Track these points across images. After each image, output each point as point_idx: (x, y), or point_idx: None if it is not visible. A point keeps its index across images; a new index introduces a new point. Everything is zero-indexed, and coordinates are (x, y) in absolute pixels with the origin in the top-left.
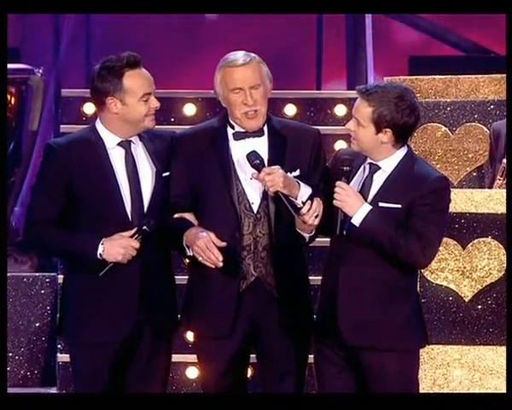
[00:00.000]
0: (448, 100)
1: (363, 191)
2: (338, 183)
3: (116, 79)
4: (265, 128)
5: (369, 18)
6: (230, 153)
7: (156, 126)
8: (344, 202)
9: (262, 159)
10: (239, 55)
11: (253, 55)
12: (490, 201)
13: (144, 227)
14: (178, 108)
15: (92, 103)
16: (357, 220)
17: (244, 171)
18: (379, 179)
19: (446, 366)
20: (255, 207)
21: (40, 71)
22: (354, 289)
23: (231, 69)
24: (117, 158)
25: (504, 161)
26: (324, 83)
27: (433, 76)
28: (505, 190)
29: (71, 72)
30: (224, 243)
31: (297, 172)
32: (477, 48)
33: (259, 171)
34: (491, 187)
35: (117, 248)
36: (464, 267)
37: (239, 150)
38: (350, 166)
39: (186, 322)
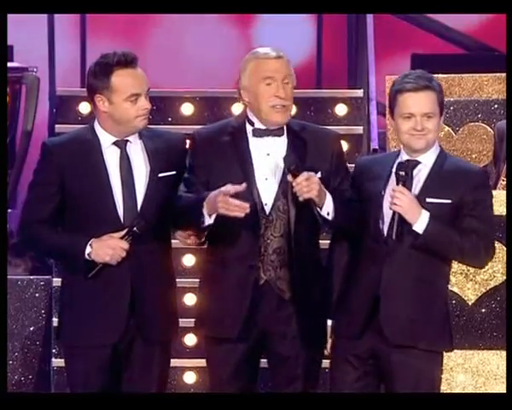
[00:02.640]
0: (451, 99)
1: None
2: (397, 188)
3: (105, 77)
4: (284, 128)
5: (370, 16)
6: (250, 152)
7: (152, 126)
8: (405, 208)
9: (299, 163)
10: (270, 49)
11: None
12: (494, 202)
13: (134, 228)
14: (176, 107)
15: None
16: (420, 228)
17: (260, 171)
18: (419, 175)
19: (449, 371)
20: (267, 209)
21: (35, 69)
22: (399, 289)
23: (265, 60)
24: (111, 157)
25: None
26: (324, 82)
27: (436, 75)
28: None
29: (66, 70)
30: (239, 187)
31: (318, 175)
32: (481, 46)
33: (295, 175)
34: (495, 188)
35: (105, 248)
36: (468, 270)
37: (257, 150)
38: (406, 170)
39: (199, 325)
